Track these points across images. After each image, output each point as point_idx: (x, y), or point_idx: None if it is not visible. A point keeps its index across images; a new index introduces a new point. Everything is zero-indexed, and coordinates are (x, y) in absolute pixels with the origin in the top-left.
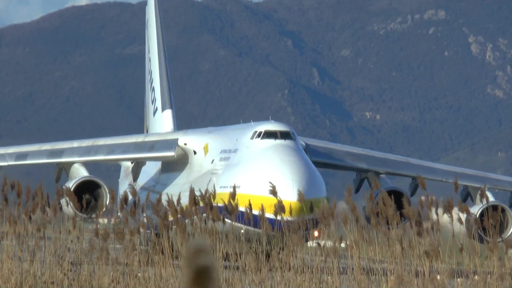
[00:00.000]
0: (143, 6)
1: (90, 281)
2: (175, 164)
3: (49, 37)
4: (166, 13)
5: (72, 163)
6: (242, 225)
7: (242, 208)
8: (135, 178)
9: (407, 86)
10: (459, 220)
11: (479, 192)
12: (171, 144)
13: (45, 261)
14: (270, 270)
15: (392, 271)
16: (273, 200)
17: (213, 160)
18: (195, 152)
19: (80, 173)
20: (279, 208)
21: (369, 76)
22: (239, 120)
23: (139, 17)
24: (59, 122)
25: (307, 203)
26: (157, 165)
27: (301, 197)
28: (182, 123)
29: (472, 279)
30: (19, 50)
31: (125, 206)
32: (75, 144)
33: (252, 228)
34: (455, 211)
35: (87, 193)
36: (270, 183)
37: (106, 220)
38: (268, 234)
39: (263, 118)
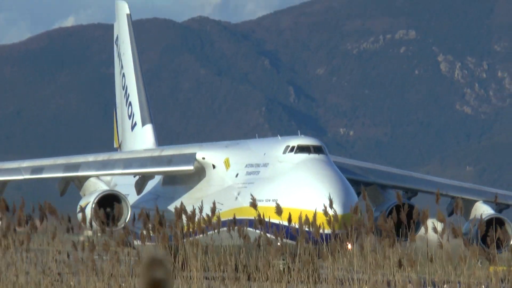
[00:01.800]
0: (134, 26)
1: None
2: (179, 178)
3: (37, 57)
4: (148, 33)
5: (88, 177)
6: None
7: (279, 221)
8: (139, 192)
9: (379, 103)
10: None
11: (475, 204)
12: (189, 158)
13: (30, 272)
14: (248, 279)
15: (367, 281)
16: (311, 213)
17: (237, 174)
18: (214, 166)
19: (97, 186)
20: (319, 220)
21: (343, 94)
22: (219, 136)
23: None
24: (47, 138)
25: (347, 216)
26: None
27: (341, 210)
28: (164, 138)
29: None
30: (8, 69)
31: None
32: (90, 158)
33: (289, 241)
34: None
35: (107, 207)
36: (311, 197)
37: (90, 233)
38: (304, 247)
39: (242, 134)
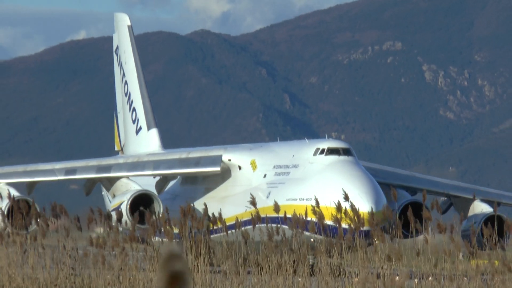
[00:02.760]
0: (136, 40)
1: (88, 284)
2: (199, 178)
3: (51, 68)
4: (154, 45)
5: (120, 177)
6: (312, 234)
7: (313, 219)
8: (159, 192)
9: (368, 109)
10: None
11: (473, 203)
12: (216, 160)
13: (46, 266)
14: (248, 273)
15: (357, 273)
16: (348, 211)
17: (265, 175)
18: (240, 168)
19: (129, 186)
20: (357, 218)
21: (335, 101)
22: (220, 140)
23: None
24: (61, 143)
25: (378, 214)
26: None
27: (374, 208)
28: (169, 142)
29: (427, 280)
30: (25, 79)
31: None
32: (121, 160)
33: (320, 236)
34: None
35: (140, 205)
36: (345, 195)
37: (102, 230)
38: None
39: (241, 139)
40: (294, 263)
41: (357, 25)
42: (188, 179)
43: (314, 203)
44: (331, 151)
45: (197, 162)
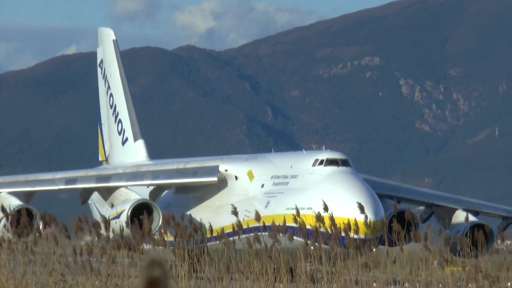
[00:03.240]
0: (125, 55)
1: None
2: (193, 187)
3: (42, 81)
4: (142, 60)
5: (118, 187)
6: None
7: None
8: (154, 201)
9: (347, 122)
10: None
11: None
12: (213, 170)
13: (36, 273)
14: (231, 279)
15: (337, 280)
16: (347, 220)
17: (263, 185)
18: (236, 178)
19: (129, 196)
20: (356, 226)
21: (315, 113)
22: (205, 151)
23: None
24: (51, 154)
25: (378, 223)
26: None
27: (374, 217)
28: (155, 153)
29: (403, 286)
30: (17, 93)
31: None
32: (120, 170)
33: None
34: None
35: (140, 215)
36: (345, 205)
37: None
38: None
39: (225, 150)
40: (274, 270)
41: (337, 41)
42: (182, 189)
43: (314, 212)
44: (330, 162)
45: (194, 172)
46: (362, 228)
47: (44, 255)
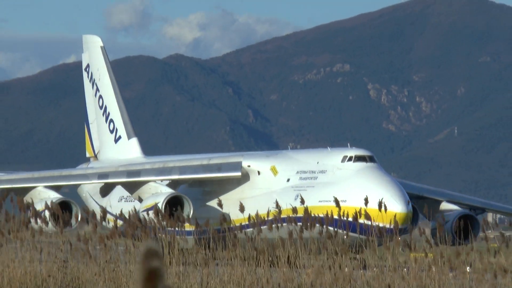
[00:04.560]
0: (119, 63)
1: (77, 275)
2: (208, 181)
3: (45, 87)
4: (135, 68)
5: (147, 181)
6: (344, 232)
7: (349, 219)
8: None
9: (321, 123)
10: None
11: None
12: (236, 166)
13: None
14: (216, 264)
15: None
16: (380, 212)
17: (289, 179)
18: (259, 173)
19: (159, 189)
20: (389, 218)
21: (292, 116)
22: (193, 150)
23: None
24: (53, 152)
25: (408, 214)
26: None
27: (405, 209)
28: (148, 151)
29: (372, 271)
30: (22, 97)
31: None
32: (147, 166)
33: (356, 235)
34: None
35: (174, 207)
36: (377, 197)
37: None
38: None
39: (211, 149)
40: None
41: (311, 50)
42: (195, 183)
43: (349, 204)
44: (358, 158)
45: (219, 168)
46: (397, 218)
47: (47, 244)
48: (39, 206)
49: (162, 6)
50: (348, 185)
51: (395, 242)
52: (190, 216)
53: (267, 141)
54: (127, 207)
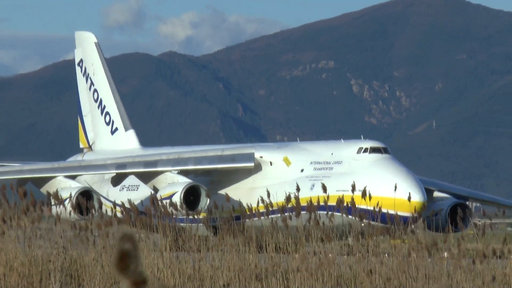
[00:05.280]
0: (116, 60)
1: (76, 259)
2: (216, 172)
3: (47, 82)
4: (131, 64)
5: (164, 171)
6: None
7: (369, 207)
8: None
9: (307, 117)
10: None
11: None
12: (249, 157)
13: (42, 245)
14: (207, 250)
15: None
16: (399, 200)
17: (302, 170)
18: (271, 163)
19: (175, 179)
20: (407, 206)
21: (279, 110)
22: (185, 141)
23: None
24: (54, 144)
25: (425, 203)
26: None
27: (422, 198)
28: (143, 143)
29: (355, 256)
30: (25, 92)
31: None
32: (164, 156)
33: (375, 222)
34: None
35: (190, 196)
36: (394, 187)
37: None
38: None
39: (203, 141)
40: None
41: (297, 47)
42: (204, 173)
43: (367, 194)
44: (374, 150)
45: (233, 158)
46: (415, 207)
47: (47, 230)
48: (62, 195)
49: (156, 6)
50: (366, 175)
51: (376, 230)
52: (207, 205)
53: (255, 133)
54: (127, 196)
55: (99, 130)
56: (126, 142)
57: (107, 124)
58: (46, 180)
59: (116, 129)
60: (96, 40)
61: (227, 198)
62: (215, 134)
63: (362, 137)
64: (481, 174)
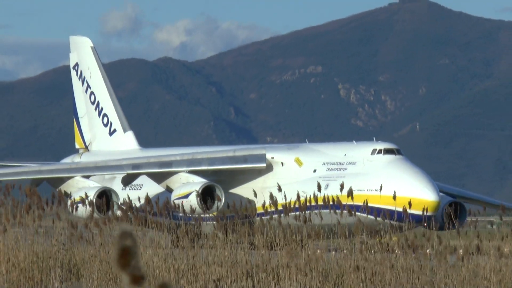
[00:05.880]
0: (113, 65)
1: (74, 256)
2: (226, 172)
3: (47, 86)
4: (128, 69)
5: (178, 172)
6: (378, 218)
7: (381, 205)
8: None
9: (296, 119)
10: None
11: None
12: (261, 158)
13: (42, 243)
14: (201, 247)
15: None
16: (415, 200)
17: (315, 170)
18: (282, 164)
19: (190, 179)
20: (422, 206)
21: (270, 113)
22: (180, 143)
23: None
24: (55, 146)
25: (439, 203)
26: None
27: (437, 197)
28: (140, 144)
29: (342, 252)
30: (26, 96)
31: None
32: (178, 157)
33: (389, 220)
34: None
35: (208, 195)
36: (410, 186)
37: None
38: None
39: (196, 142)
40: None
41: (287, 53)
42: (213, 173)
43: (384, 193)
44: (387, 151)
45: (245, 159)
46: (430, 206)
47: (48, 228)
48: (81, 194)
49: (152, 13)
50: (381, 175)
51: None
52: (222, 204)
53: (247, 135)
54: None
55: (97, 131)
56: (125, 143)
57: (105, 125)
58: (63, 180)
59: (115, 130)
60: (92, 45)
61: (243, 197)
62: (208, 136)
63: (374, 139)
64: (462, 174)
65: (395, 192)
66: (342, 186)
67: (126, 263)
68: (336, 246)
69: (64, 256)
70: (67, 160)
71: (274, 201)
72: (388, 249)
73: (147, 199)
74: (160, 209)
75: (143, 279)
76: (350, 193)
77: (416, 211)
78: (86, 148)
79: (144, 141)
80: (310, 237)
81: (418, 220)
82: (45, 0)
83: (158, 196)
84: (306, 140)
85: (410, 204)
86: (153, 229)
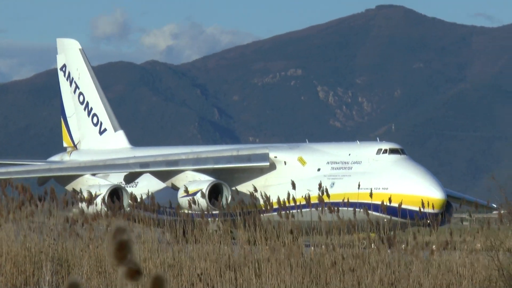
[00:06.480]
0: (102, 68)
1: (66, 250)
2: (228, 170)
3: (40, 88)
4: (116, 72)
5: (184, 170)
6: (385, 216)
7: (394, 204)
8: None
9: (277, 120)
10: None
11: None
12: (264, 157)
13: (34, 238)
14: (186, 242)
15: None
16: (422, 198)
17: (319, 169)
18: (285, 163)
19: (197, 177)
20: (427, 203)
21: (252, 114)
22: (166, 143)
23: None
24: (47, 146)
25: (445, 201)
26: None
27: (443, 195)
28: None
29: (321, 248)
30: (19, 97)
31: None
32: (183, 156)
33: (396, 218)
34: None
35: (214, 193)
36: (417, 185)
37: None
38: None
39: (182, 142)
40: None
41: (268, 57)
42: (215, 171)
43: (391, 192)
44: (392, 151)
45: (249, 158)
46: (436, 204)
47: (40, 224)
48: (94, 191)
49: (140, 18)
50: (388, 174)
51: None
52: (229, 201)
53: (230, 135)
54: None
55: (86, 130)
56: (116, 142)
57: (95, 125)
58: (72, 178)
59: (105, 129)
60: (80, 47)
61: (251, 195)
62: (193, 136)
63: (378, 139)
64: (436, 173)
65: (403, 190)
66: (359, 185)
67: (123, 257)
68: (340, 243)
69: (55, 250)
70: (56, 158)
71: (291, 198)
72: (366, 245)
73: (132, 197)
74: (166, 207)
75: (139, 273)
76: (370, 193)
77: (426, 209)
78: (75, 146)
79: (132, 141)
80: (292, 233)
81: (425, 217)
82: (39, 6)
83: (153, 193)
84: (306, 140)
85: (422, 203)
86: (156, 227)
